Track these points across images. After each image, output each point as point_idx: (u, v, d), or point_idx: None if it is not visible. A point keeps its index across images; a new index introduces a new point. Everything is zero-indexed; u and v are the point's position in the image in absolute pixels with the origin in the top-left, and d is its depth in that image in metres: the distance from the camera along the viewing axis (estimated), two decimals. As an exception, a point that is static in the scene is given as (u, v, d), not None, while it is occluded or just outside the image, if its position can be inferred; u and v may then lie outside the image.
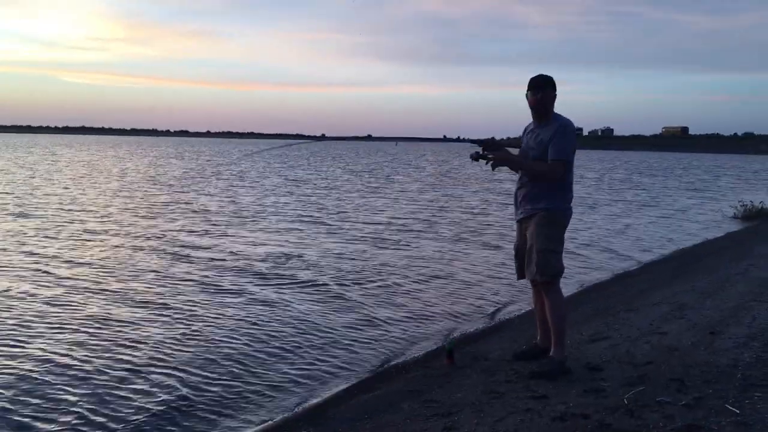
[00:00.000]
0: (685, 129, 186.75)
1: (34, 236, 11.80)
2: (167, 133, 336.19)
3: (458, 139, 5.01)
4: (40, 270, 8.96)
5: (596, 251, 11.92)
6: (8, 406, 4.67)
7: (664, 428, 3.35)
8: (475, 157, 4.68)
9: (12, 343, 5.95)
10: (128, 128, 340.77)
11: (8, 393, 4.87)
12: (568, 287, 6.66)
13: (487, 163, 4.57)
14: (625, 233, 14.63)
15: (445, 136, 5.25)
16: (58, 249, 10.59)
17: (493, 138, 4.66)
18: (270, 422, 4.56)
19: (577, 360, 4.69)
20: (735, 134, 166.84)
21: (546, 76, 4.53)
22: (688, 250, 12.40)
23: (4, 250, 10.39)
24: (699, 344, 4.96)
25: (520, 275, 4.79)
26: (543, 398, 3.99)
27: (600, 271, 10.17)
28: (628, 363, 4.60)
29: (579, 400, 3.88)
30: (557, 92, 4.54)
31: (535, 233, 4.47)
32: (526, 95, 4.56)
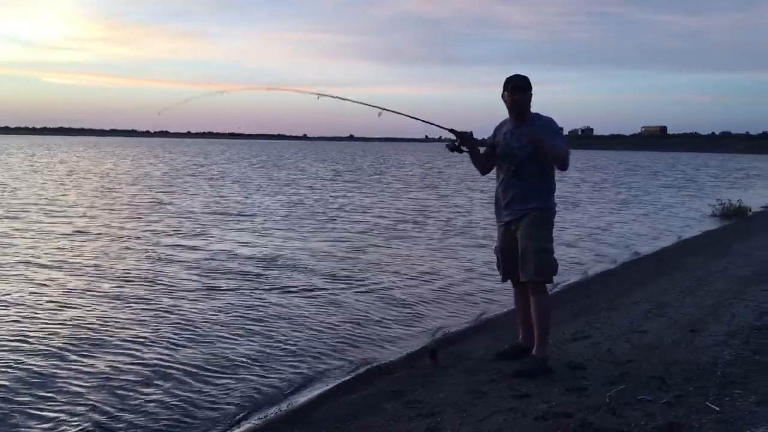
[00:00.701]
0: (663, 128, 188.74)
1: (20, 238, 11.67)
2: (147, 134, 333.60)
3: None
4: (27, 272, 8.88)
5: (578, 250, 11.98)
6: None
7: (645, 426, 3.37)
8: (452, 148, 4.69)
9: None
10: (108, 129, 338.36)
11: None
12: (550, 286, 6.70)
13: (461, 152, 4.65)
14: (606, 232, 14.73)
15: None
16: (45, 251, 10.47)
17: (471, 132, 4.66)
18: (252, 424, 4.53)
19: (560, 359, 4.71)
20: (713, 133, 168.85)
21: (522, 76, 4.53)
22: (668, 248, 12.50)
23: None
24: (679, 342, 5.00)
25: (506, 277, 4.78)
26: (526, 397, 4.00)
27: (582, 269, 10.22)
28: (609, 362, 4.63)
29: (561, 399, 3.89)
30: (532, 91, 4.55)
31: (528, 234, 4.45)
32: (503, 95, 4.56)
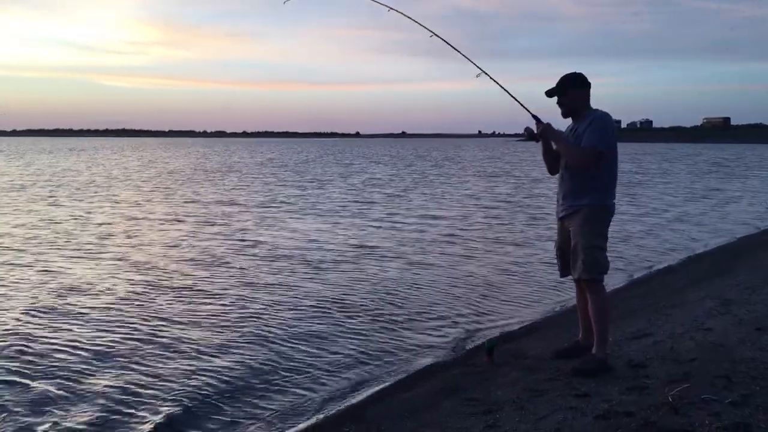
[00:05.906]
0: (726, 119, 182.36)
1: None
2: (204, 134, 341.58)
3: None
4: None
5: (638, 246, 11.74)
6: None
7: (710, 426, 3.29)
8: (530, 135, 4.67)
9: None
10: (167, 130, 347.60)
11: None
12: (610, 283, 6.57)
13: (537, 141, 4.65)
14: (667, 227, 14.37)
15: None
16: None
17: (549, 124, 4.63)
18: (313, 420, 4.60)
19: (620, 357, 4.64)
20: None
21: (564, 77, 4.52)
22: (731, 243, 12.13)
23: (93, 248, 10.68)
24: (745, 340, 4.85)
25: (564, 273, 4.74)
26: (585, 396, 3.96)
27: (643, 266, 10.01)
28: (672, 360, 4.53)
29: (622, 398, 3.84)
30: (590, 84, 4.51)
31: (579, 231, 4.41)
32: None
